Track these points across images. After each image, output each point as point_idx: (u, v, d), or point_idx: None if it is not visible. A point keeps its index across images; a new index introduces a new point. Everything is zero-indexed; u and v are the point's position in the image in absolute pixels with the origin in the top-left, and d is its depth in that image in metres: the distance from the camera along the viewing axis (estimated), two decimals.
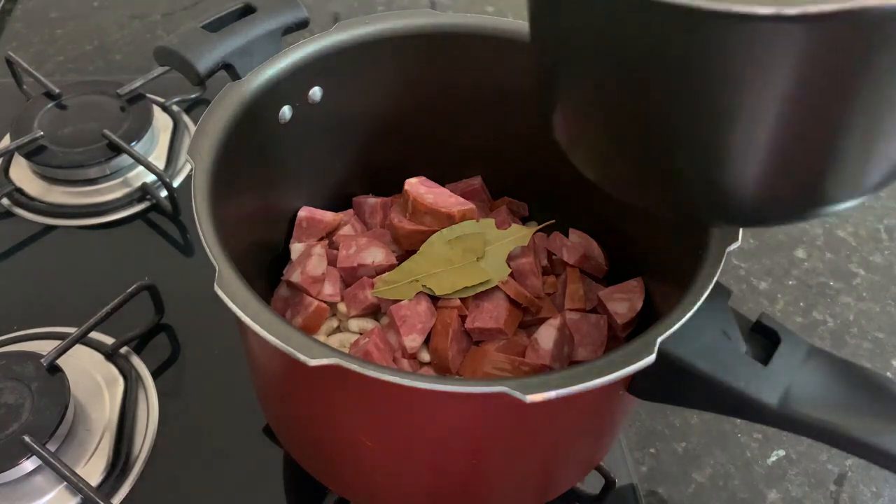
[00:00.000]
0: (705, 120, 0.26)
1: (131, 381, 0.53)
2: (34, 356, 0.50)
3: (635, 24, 0.25)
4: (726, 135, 0.26)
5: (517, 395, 0.29)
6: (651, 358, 0.31)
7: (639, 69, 0.26)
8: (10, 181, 0.66)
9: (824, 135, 0.25)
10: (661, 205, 0.33)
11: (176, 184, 0.67)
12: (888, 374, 0.54)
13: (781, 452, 0.53)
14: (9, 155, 0.67)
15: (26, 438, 0.46)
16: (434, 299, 0.46)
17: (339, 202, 0.53)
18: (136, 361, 0.55)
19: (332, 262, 0.48)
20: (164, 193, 0.65)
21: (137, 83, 0.70)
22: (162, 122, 0.71)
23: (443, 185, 0.52)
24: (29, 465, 0.46)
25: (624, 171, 0.32)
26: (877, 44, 0.22)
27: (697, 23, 0.23)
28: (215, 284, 0.32)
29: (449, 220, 0.48)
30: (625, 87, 0.28)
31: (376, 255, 0.47)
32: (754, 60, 0.23)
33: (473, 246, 0.47)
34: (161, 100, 0.73)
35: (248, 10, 0.44)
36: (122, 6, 0.88)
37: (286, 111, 0.45)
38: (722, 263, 0.34)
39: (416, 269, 0.46)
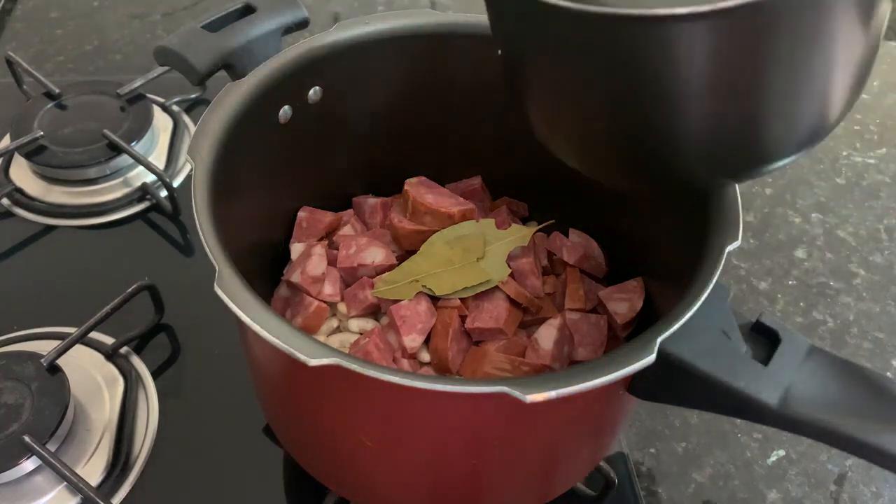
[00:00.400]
0: (652, 103, 0.30)
1: (131, 381, 0.53)
2: (34, 356, 0.50)
3: (586, 36, 0.29)
4: (673, 113, 0.30)
5: (517, 395, 0.29)
6: (651, 358, 0.31)
7: (590, 73, 0.31)
8: (10, 181, 0.66)
9: (750, 102, 0.30)
10: (633, 179, 0.37)
11: (176, 184, 0.67)
12: (888, 374, 0.54)
13: (781, 452, 0.53)
14: (9, 155, 0.67)
15: (26, 438, 0.46)
16: (434, 299, 0.46)
17: (339, 202, 0.53)
18: (136, 361, 0.55)
19: (332, 262, 0.48)
20: (164, 193, 0.65)
21: (137, 83, 0.70)
22: (162, 122, 0.71)
23: (443, 185, 0.52)
24: (29, 465, 0.46)
25: (595, 157, 0.36)
26: (772, 27, 0.27)
27: (627, 26, 0.27)
28: (215, 284, 0.32)
29: (449, 220, 0.48)
30: (580, 89, 0.32)
31: (376, 255, 0.47)
32: (680, 49, 0.28)
33: (473, 246, 0.47)
34: (161, 100, 0.73)
35: (248, 10, 0.44)
36: (122, 6, 0.88)
37: (286, 111, 0.45)
38: (722, 263, 0.34)
39: (416, 269, 0.46)
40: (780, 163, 0.33)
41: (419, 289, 0.45)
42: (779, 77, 0.29)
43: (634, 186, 0.41)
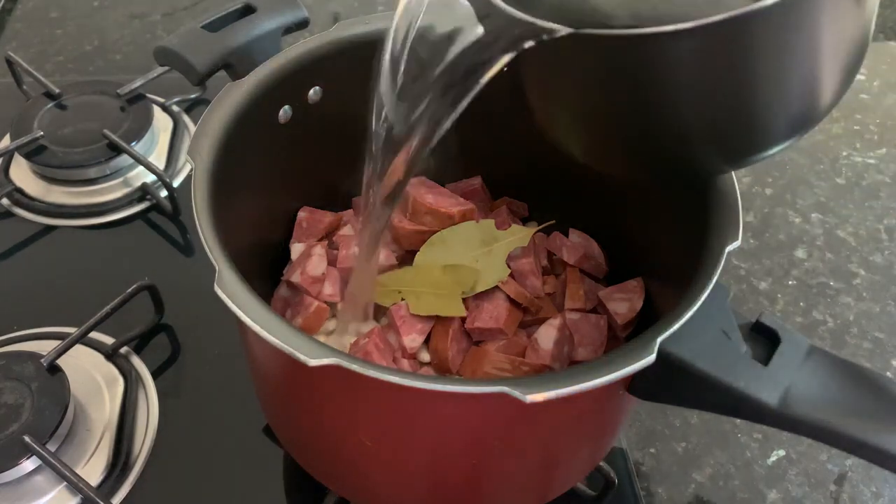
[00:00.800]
0: (648, 103, 0.32)
1: (131, 381, 0.53)
2: (34, 356, 0.50)
3: (586, 52, 0.32)
4: (669, 108, 0.32)
5: (517, 395, 0.29)
6: (651, 358, 0.31)
7: (590, 80, 0.33)
8: (10, 181, 0.66)
9: (742, 96, 0.31)
10: (633, 169, 0.39)
11: (176, 184, 0.67)
12: (888, 374, 0.54)
13: (781, 452, 0.53)
14: (9, 155, 0.67)
15: (26, 438, 0.46)
16: None
17: (339, 202, 0.53)
18: (136, 361, 0.55)
19: (332, 262, 0.48)
20: (164, 193, 0.65)
21: (137, 83, 0.70)
22: (162, 122, 0.71)
23: (443, 185, 0.52)
24: (29, 465, 0.46)
25: (595, 150, 0.38)
26: (756, 34, 0.29)
27: (632, 44, 0.29)
28: (215, 284, 0.32)
29: (449, 220, 0.48)
30: (581, 93, 0.35)
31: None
32: (672, 59, 0.30)
33: (465, 279, 0.46)
34: (161, 100, 0.73)
35: (248, 10, 0.44)
36: (122, 6, 0.88)
37: (286, 111, 0.45)
38: (722, 263, 0.34)
39: (405, 279, 0.46)
40: (776, 148, 0.34)
41: (398, 300, 0.45)
42: (768, 75, 0.30)
43: (635, 175, 0.41)
